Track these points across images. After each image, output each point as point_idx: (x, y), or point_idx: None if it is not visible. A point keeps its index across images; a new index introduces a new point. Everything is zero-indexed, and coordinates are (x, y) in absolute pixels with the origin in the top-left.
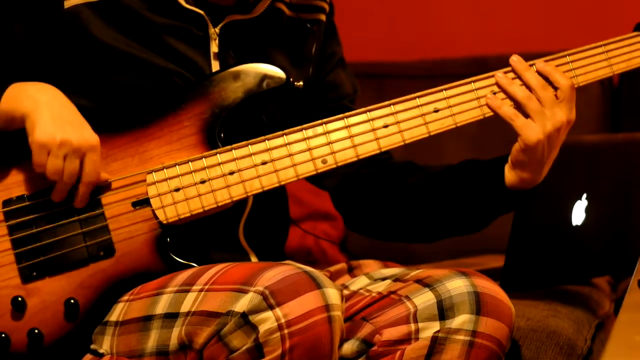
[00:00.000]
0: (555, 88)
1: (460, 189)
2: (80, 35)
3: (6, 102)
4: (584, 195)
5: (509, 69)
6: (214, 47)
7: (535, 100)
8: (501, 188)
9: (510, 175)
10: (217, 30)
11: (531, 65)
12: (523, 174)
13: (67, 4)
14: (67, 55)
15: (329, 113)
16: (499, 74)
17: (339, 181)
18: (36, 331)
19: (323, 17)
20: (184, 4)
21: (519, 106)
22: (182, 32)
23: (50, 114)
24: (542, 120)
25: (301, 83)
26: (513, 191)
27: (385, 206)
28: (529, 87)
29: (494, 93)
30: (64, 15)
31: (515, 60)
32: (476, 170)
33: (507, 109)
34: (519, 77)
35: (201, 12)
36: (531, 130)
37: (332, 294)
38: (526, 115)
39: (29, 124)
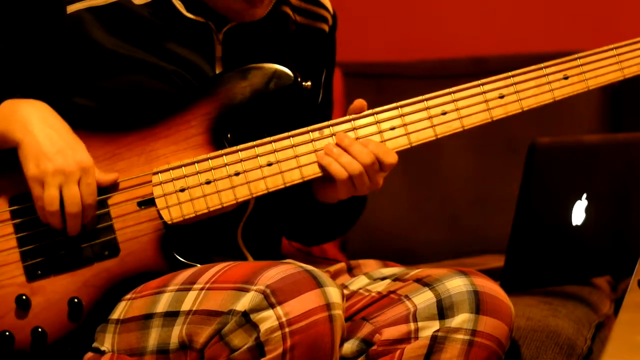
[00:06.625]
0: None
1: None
2: (83, 41)
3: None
4: (584, 195)
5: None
6: (218, 52)
7: (365, 176)
8: (315, 203)
9: (321, 195)
10: (220, 35)
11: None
12: (334, 195)
13: (69, 9)
14: (70, 59)
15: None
16: (340, 135)
17: None
18: (40, 330)
19: (326, 28)
20: (186, 13)
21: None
22: (185, 37)
23: (40, 142)
24: (361, 185)
25: (309, 83)
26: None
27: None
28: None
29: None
30: (66, 20)
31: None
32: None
33: (336, 169)
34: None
35: (204, 20)
36: (345, 187)
37: (333, 293)
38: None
39: (21, 155)
